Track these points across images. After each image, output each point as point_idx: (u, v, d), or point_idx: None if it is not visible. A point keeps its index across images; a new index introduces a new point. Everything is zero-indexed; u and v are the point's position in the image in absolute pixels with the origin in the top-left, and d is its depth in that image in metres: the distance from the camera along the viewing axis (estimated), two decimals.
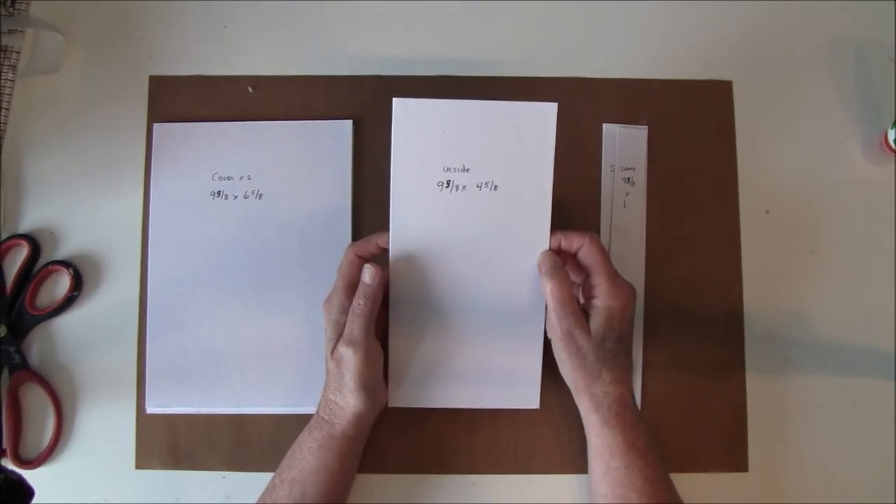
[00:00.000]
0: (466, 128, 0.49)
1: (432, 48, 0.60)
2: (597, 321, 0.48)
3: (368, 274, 0.49)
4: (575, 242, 0.49)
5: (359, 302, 0.49)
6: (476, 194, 0.50)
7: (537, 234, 0.50)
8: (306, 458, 0.49)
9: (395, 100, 0.49)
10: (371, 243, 0.51)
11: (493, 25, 0.60)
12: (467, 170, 0.50)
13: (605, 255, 0.49)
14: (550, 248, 0.50)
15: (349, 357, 0.48)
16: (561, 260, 0.50)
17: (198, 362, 0.55)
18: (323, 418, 0.50)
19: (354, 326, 0.48)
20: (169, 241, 0.56)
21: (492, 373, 0.53)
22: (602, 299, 0.48)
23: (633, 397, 0.49)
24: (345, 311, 0.49)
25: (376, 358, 0.50)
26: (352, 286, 0.50)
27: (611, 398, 0.47)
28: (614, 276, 0.48)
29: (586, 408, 0.49)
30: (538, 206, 0.50)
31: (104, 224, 0.57)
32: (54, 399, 0.55)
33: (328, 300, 0.50)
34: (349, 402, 0.49)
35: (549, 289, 0.48)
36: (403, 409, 0.53)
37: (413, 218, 0.50)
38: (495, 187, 0.50)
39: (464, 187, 0.50)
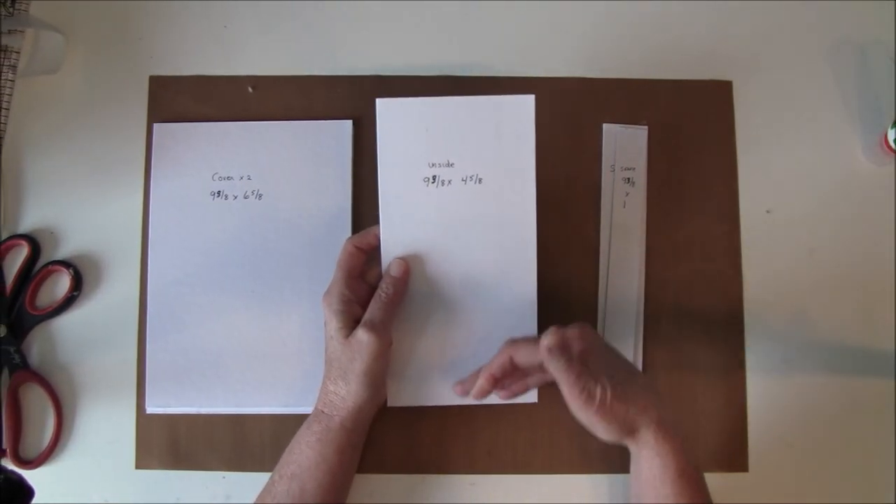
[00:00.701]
0: (449, 124, 0.50)
1: (432, 48, 0.60)
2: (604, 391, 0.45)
3: (397, 266, 0.51)
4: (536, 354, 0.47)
5: (387, 291, 0.50)
6: (462, 188, 0.51)
7: (523, 224, 0.51)
8: (304, 452, 0.49)
9: (378, 100, 0.50)
10: (370, 235, 0.51)
11: (493, 25, 0.60)
12: (451, 164, 0.50)
13: (563, 370, 0.45)
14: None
15: (367, 342, 0.48)
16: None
17: (198, 362, 0.55)
18: (322, 411, 0.50)
19: (378, 313, 0.49)
20: (169, 241, 0.56)
21: None
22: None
23: (669, 414, 0.46)
24: (346, 300, 0.49)
25: (389, 351, 0.50)
26: (351, 276, 0.50)
27: (648, 423, 0.45)
28: (579, 390, 0.45)
29: (636, 450, 0.47)
30: (523, 196, 0.51)
31: (104, 224, 0.57)
32: (54, 399, 0.55)
33: (328, 292, 0.50)
34: (352, 389, 0.49)
35: (560, 378, 0.46)
36: (403, 408, 0.53)
37: (402, 214, 0.51)
38: (480, 180, 0.51)
39: (449, 182, 0.51)
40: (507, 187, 0.51)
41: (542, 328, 0.52)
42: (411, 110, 0.50)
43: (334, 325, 0.49)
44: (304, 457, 0.48)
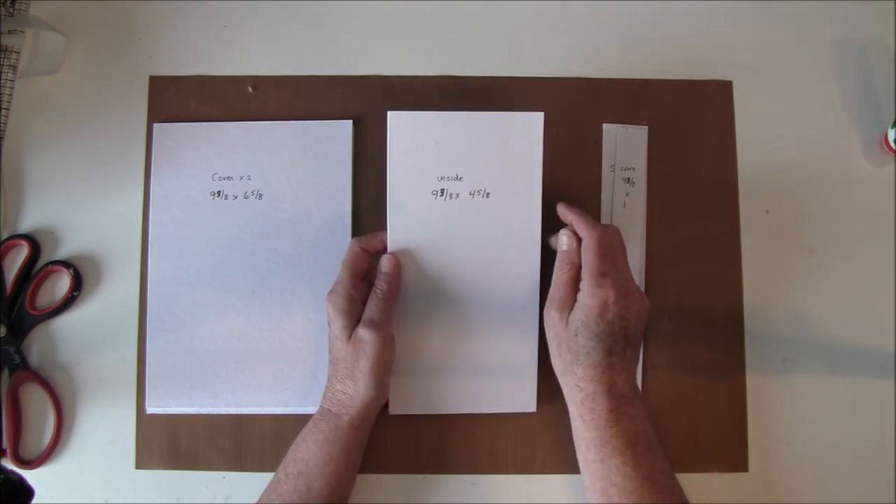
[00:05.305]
0: (458, 138, 0.51)
1: (432, 48, 0.59)
2: (574, 315, 0.47)
3: (387, 262, 0.51)
4: (580, 232, 0.49)
5: (382, 287, 0.50)
6: (469, 202, 0.52)
7: (529, 239, 0.52)
8: (312, 450, 0.49)
9: (389, 113, 0.51)
10: (376, 238, 0.52)
11: (494, 25, 0.60)
12: (460, 178, 0.51)
13: (598, 253, 0.47)
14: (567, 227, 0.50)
15: (369, 339, 0.48)
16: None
17: (198, 362, 0.55)
18: (329, 410, 0.50)
19: (376, 311, 0.49)
20: (169, 240, 0.56)
21: (489, 378, 0.53)
22: (582, 294, 0.47)
23: (611, 398, 0.47)
24: (352, 300, 0.50)
25: (391, 346, 0.50)
26: (357, 277, 0.51)
27: (584, 393, 0.47)
28: (599, 276, 0.46)
29: (565, 395, 0.50)
30: (529, 211, 0.52)
31: (104, 224, 0.57)
32: (54, 399, 0.55)
33: (333, 291, 0.51)
34: (360, 387, 0.49)
35: (555, 268, 0.50)
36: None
37: (409, 226, 0.52)
38: (487, 195, 0.51)
39: (457, 195, 0.51)
40: (513, 202, 0.52)
41: (543, 336, 0.53)
42: (422, 123, 0.51)
43: (339, 324, 0.49)
44: (312, 455, 0.48)
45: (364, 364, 0.49)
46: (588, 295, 0.46)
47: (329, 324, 0.50)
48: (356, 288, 0.51)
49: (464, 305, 0.53)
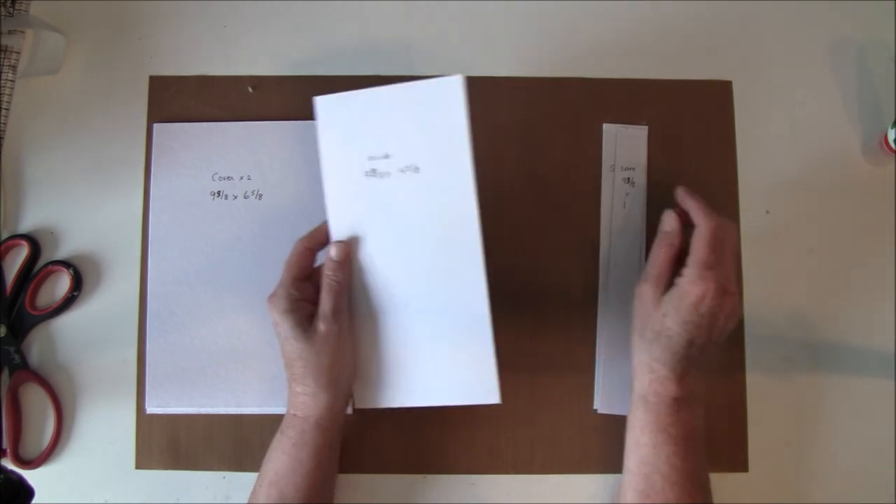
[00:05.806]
0: (383, 114, 0.49)
1: (432, 48, 0.59)
2: (669, 296, 0.47)
3: (335, 250, 0.49)
4: (697, 219, 0.48)
5: (335, 277, 0.49)
6: (400, 179, 0.49)
7: (463, 213, 0.48)
8: (280, 458, 0.48)
9: (315, 98, 0.50)
10: (320, 232, 0.51)
11: (494, 25, 0.60)
12: (388, 156, 0.49)
13: (710, 243, 0.46)
14: (677, 209, 0.51)
15: (329, 333, 0.47)
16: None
17: (198, 362, 0.55)
18: (295, 415, 0.49)
19: (332, 303, 0.48)
20: (169, 241, 0.56)
21: (445, 367, 0.50)
22: (683, 280, 0.47)
23: (680, 387, 0.47)
24: (293, 300, 0.48)
25: (350, 338, 0.49)
26: (300, 277, 0.49)
27: (654, 375, 0.47)
28: (705, 267, 0.46)
29: (634, 372, 0.49)
30: (460, 185, 0.48)
31: (104, 224, 0.57)
32: (54, 399, 0.55)
33: (274, 295, 0.48)
34: (322, 383, 0.48)
35: (654, 245, 0.50)
36: (404, 409, 0.53)
37: (347, 210, 0.50)
38: (416, 169, 0.49)
39: (388, 174, 0.49)
40: (444, 175, 0.48)
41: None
42: (349, 104, 0.50)
43: (287, 325, 0.48)
44: (280, 463, 0.48)
45: (325, 360, 0.47)
46: (689, 282, 0.46)
47: (276, 326, 0.49)
48: (298, 289, 0.49)
49: (409, 290, 0.50)
